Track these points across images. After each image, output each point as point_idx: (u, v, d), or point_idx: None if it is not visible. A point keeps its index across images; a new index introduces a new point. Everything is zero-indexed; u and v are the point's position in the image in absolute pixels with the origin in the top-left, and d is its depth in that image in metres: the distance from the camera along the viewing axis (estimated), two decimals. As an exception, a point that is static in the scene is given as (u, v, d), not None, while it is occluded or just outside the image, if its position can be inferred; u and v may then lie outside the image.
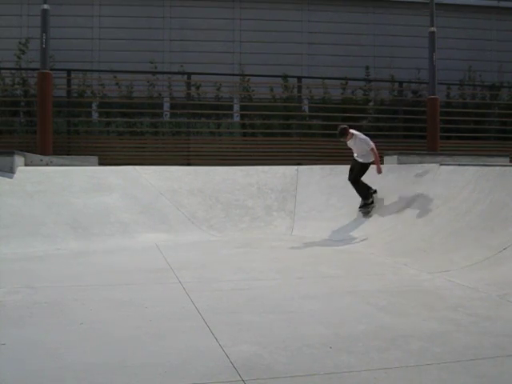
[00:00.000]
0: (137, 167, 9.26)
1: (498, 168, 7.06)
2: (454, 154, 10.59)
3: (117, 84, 12.74)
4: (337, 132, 8.22)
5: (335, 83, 13.86)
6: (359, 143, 8.24)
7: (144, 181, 8.82)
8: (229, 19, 14.68)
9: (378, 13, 15.31)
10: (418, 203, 7.79)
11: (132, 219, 7.85)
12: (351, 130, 8.27)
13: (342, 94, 13.75)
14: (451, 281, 5.05)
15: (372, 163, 8.39)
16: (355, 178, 8.42)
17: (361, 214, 8.31)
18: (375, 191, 8.48)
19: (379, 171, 8.23)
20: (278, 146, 12.41)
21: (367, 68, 14.42)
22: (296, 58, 14.73)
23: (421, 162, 9.43)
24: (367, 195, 8.34)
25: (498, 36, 15.86)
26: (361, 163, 8.34)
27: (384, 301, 4.37)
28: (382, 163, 10.33)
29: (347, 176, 8.77)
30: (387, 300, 4.40)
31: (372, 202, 8.36)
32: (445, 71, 13.93)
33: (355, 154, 8.46)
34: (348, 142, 8.37)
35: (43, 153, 10.21)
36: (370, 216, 8.25)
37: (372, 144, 8.21)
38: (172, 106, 13.74)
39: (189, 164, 11.25)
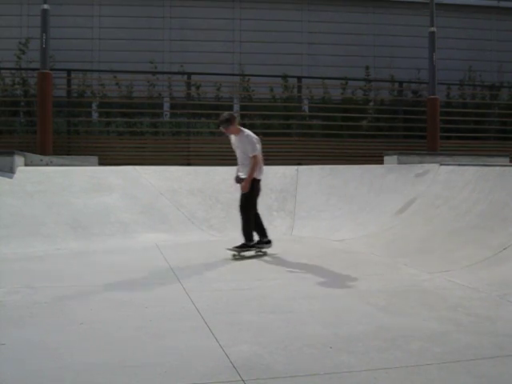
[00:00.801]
0: (137, 167, 9.25)
1: (497, 168, 7.06)
2: (454, 154, 10.59)
3: (117, 84, 12.73)
4: (220, 119, 6.33)
5: (335, 83, 13.86)
6: (244, 143, 6.27)
7: (144, 181, 8.82)
8: (229, 19, 14.68)
9: (378, 13, 15.32)
10: (418, 203, 7.80)
11: (132, 219, 7.85)
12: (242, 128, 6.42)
13: (342, 94, 13.75)
14: (451, 281, 5.05)
15: (258, 180, 6.38)
16: (243, 203, 6.34)
17: (361, 213, 8.28)
18: (268, 242, 6.52)
19: (244, 188, 6.22)
20: (278, 146, 12.40)
21: (367, 68, 14.41)
22: (296, 58, 14.72)
23: (421, 162, 9.44)
24: (250, 236, 6.34)
25: (498, 36, 15.86)
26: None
27: (384, 301, 4.37)
28: (382, 163, 10.40)
29: (347, 176, 8.69)
30: (387, 300, 4.40)
31: (253, 247, 6.39)
32: (445, 71, 13.93)
33: (239, 162, 6.50)
34: (232, 138, 6.46)
35: (43, 153, 10.20)
36: (369, 215, 8.18)
37: (257, 150, 6.26)
38: (172, 106, 13.74)
39: (189, 164, 11.24)
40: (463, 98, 14.80)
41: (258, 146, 6.31)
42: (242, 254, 6.27)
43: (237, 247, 6.26)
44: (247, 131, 6.35)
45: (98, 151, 11.29)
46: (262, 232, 6.56)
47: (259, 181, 6.40)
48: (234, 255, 6.21)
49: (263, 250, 6.50)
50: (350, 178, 9.18)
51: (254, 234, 6.41)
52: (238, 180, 6.41)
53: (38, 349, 3.27)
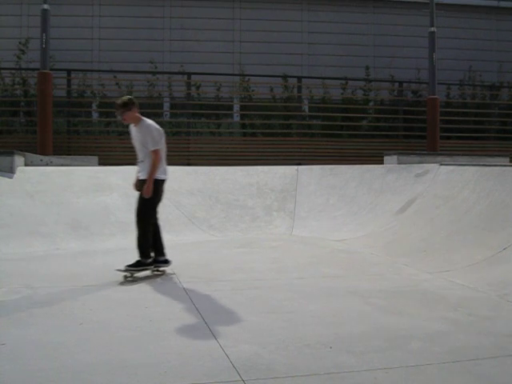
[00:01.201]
0: (137, 167, 9.24)
1: (497, 168, 7.07)
2: (453, 154, 10.60)
3: (117, 84, 12.74)
4: (117, 102, 5.27)
5: (335, 83, 13.86)
6: (144, 134, 5.23)
7: (144, 181, 8.81)
8: (229, 19, 14.68)
9: (378, 13, 15.32)
10: (418, 203, 7.80)
11: (132, 219, 7.78)
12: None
13: (342, 94, 13.76)
14: (451, 281, 5.05)
15: (161, 181, 5.36)
16: (140, 210, 5.30)
17: (361, 213, 8.28)
18: (166, 261, 5.42)
19: (147, 191, 5.18)
20: (278, 146, 12.41)
21: (367, 68, 14.42)
22: (296, 58, 14.73)
23: (421, 162, 9.44)
24: (147, 251, 5.25)
25: (498, 36, 15.86)
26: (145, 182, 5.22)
27: (384, 301, 4.37)
28: (382, 163, 10.40)
29: (347, 176, 8.64)
30: (387, 300, 4.40)
31: (150, 264, 5.29)
32: (445, 71, 13.93)
33: (138, 159, 5.46)
34: (132, 129, 5.40)
35: (43, 153, 10.20)
36: (368, 216, 8.18)
37: (159, 144, 5.27)
38: (172, 106, 13.74)
39: (189, 164, 11.24)
40: (463, 98, 14.81)
41: (161, 140, 5.34)
42: (136, 274, 5.15)
43: (130, 266, 5.11)
44: (149, 121, 5.34)
45: (98, 151, 11.29)
46: (160, 248, 5.44)
47: (163, 182, 5.36)
48: (126, 276, 5.07)
49: (161, 268, 5.40)
50: (350, 178, 9.18)
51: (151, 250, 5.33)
52: (138, 185, 5.39)
53: (37, 349, 3.27)
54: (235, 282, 5.05)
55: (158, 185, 5.30)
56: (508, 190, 6.37)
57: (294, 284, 4.99)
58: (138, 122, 5.28)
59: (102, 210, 7.85)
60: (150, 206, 5.29)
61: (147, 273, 5.31)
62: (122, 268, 5.08)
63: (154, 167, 5.19)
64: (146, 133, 5.22)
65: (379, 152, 11.13)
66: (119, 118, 5.32)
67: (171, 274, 5.40)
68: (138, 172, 5.45)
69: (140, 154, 5.36)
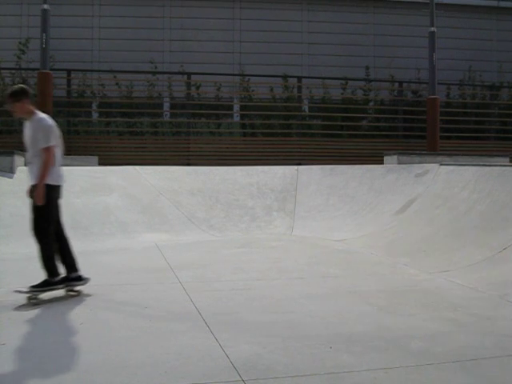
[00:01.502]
0: (137, 167, 9.26)
1: (497, 168, 7.07)
2: (453, 154, 10.60)
3: (117, 84, 12.75)
4: (7, 91, 4.56)
5: (335, 83, 13.87)
6: (35, 130, 4.45)
7: (144, 181, 8.82)
8: (229, 19, 14.69)
9: (378, 13, 15.32)
10: (418, 203, 7.80)
11: (132, 219, 7.85)
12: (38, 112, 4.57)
13: (342, 94, 13.76)
14: (451, 281, 5.05)
15: (55, 187, 4.46)
16: (36, 222, 4.40)
17: (361, 213, 8.28)
18: (79, 278, 4.58)
19: (38, 198, 4.29)
20: (278, 146, 12.41)
21: (367, 68, 14.43)
22: (296, 58, 14.73)
23: (421, 162, 9.44)
24: (53, 268, 4.44)
25: (498, 36, 15.87)
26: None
27: (384, 301, 4.37)
28: (382, 163, 10.40)
29: (347, 176, 8.61)
30: (387, 300, 4.40)
31: (60, 283, 4.48)
32: (445, 71, 13.94)
33: (27, 159, 4.60)
34: (25, 124, 4.59)
35: (43, 153, 10.20)
36: (366, 217, 8.18)
37: (51, 141, 4.42)
38: (172, 106, 13.74)
39: (189, 164, 11.25)
40: (463, 98, 14.80)
41: (54, 137, 4.52)
42: (40, 296, 4.36)
43: (35, 286, 4.33)
44: (42, 115, 4.56)
45: (98, 151, 11.30)
46: (71, 264, 4.62)
47: (58, 188, 4.51)
48: (30, 298, 4.29)
49: (75, 288, 4.58)
50: (350, 178, 9.18)
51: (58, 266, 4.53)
52: (30, 191, 4.48)
53: (38, 349, 3.27)
54: (235, 282, 5.05)
55: (52, 191, 4.43)
56: (508, 189, 6.37)
57: (293, 284, 4.99)
58: (30, 115, 4.52)
59: (102, 209, 7.85)
60: (45, 215, 4.40)
61: (61, 292, 4.52)
62: (25, 289, 4.29)
63: (44, 168, 4.35)
64: (36, 128, 4.44)
65: (379, 152, 11.13)
66: (8, 108, 4.55)
67: (88, 295, 4.56)
68: (30, 167, 4.54)
69: (30, 153, 4.52)
